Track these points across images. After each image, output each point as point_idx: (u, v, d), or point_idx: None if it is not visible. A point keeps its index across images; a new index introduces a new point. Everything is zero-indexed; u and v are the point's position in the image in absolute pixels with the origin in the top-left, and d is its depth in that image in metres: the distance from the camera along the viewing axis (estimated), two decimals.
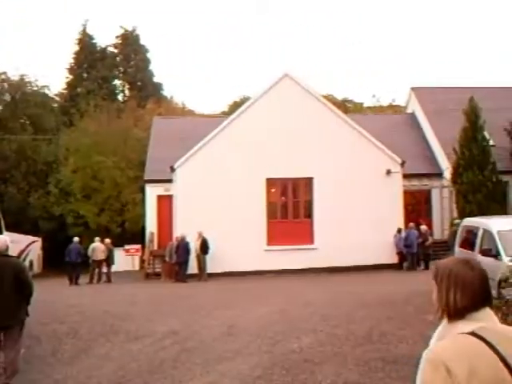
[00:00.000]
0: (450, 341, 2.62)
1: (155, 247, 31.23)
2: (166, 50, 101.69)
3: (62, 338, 12.60)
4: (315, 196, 27.03)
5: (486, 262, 12.26)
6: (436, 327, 2.89)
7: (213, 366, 9.78)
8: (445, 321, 2.75)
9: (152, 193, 32.78)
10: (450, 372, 2.48)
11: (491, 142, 30.93)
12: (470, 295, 2.67)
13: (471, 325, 2.63)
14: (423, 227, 27.73)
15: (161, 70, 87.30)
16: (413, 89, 39.50)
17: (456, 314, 2.68)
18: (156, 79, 61.68)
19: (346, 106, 59.63)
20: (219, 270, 25.28)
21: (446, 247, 23.51)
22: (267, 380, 8.74)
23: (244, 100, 44.57)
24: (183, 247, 25.64)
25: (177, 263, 25.89)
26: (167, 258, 26.44)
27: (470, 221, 17.93)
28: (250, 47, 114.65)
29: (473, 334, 2.59)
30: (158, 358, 10.59)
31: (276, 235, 26.52)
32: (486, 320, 2.67)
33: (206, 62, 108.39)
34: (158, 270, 28.77)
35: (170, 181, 28.69)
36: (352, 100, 68.26)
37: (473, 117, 29.79)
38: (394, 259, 26.72)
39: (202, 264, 25.73)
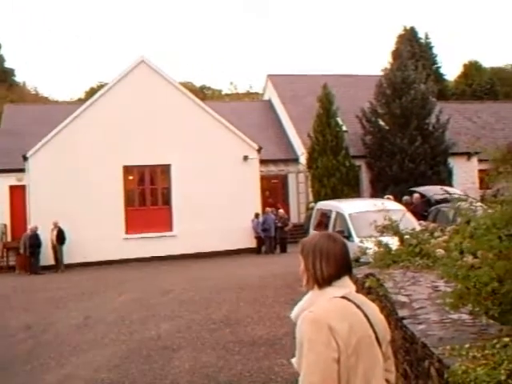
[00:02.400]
0: (328, 304, 2.92)
1: (8, 239, 30.03)
2: (18, 35, 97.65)
3: None
4: (173, 183, 26.90)
5: None
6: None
7: (68, 358, 9.59)
8: (314, 288, 3.02)
9: (4, 183, 31.34)
10: (332, 330, 2.80)
11: (344, 128, 32.05)
12: (333, 265, 2.99)
13: (339, 290, 2.97)
14: (281, 211, 28.39)
15: (12, 56, 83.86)
16: (269, 76, 40.05)
17: (324, 281, 2.98)
18: (7, 65, 59.19)
19: (204, 93, 59.98)
20: (77, 261, 24.67)
21: (302, 230, 24.09)
22: (124, 369, 8.67)
23: (101, 86, 43.62)
24: (32, 238, 24.84)
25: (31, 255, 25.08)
26: (21, 250, 25.52)
27: (323, 204, 18.48)
28: (109, 33, 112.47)
29: (344, 297, 2.95)
30: (11, 354, 10.26)
31: (135, 223, 26.20)
32: (348, 286, 3.03)
33: (62, 47, 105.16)
34: (12, 262, 27.69)
35: (22, 170, 27.60)
36: (210, 87, 68.78)
37: (326, 103, 30.71)
38: (253, 243, 27.08)
39: (58, 255, 25.06)
